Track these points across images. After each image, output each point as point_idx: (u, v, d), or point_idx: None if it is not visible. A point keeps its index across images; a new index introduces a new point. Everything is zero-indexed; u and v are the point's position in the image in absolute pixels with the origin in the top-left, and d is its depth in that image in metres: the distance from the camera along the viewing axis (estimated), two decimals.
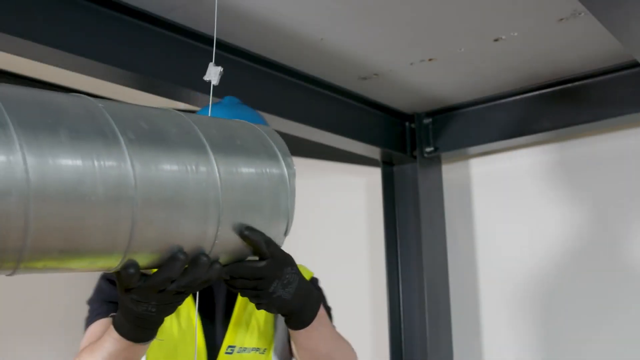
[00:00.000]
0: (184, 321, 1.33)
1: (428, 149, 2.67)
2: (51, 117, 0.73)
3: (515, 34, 1.97)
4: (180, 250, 0.85)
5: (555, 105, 2.40)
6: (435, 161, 2.73)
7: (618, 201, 2.39)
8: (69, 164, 0.72)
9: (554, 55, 2.17)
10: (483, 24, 1.91)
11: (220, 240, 0.89)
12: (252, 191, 0.93)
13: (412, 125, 2.70)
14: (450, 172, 2.80)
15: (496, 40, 2.01)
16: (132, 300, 0.90)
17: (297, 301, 1.08)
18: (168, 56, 1.85)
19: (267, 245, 0.97)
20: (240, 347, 1.32)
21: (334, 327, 1.27)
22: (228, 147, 0.92)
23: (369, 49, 2.07)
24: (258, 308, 1.06)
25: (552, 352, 2.46)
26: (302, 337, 1.18)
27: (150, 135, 0.83)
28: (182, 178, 0.83)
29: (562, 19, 1.88)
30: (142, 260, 0.84)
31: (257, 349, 1.32)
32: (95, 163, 0.74)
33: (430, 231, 2.66)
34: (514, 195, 2.64)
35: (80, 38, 1.64)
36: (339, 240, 2.92)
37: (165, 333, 1.29)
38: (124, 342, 1.00)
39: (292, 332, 1.18)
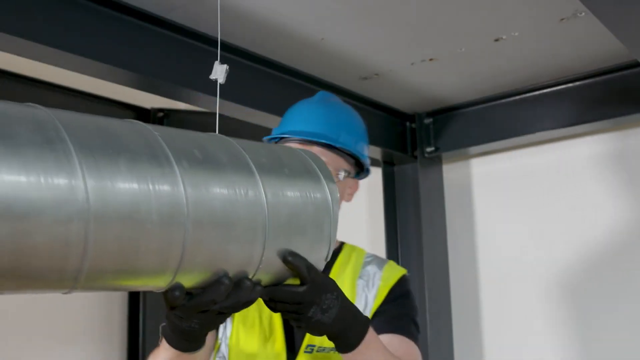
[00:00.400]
0: (266, 320, 1.36)
1: (429, 149, 2.67)
2: (110, 144, 0.76)
3: (516, 33, 1.97)
4: (226, 274, 0.88)
5: (556, 105, 2.40)
6: (435, 161, 2.73)
7: (617, 200, 2.39)
8: (127, 187, 0.75)
9: (555, 55, 2.17)
10: (484, 23, 1.91)
11: (264, 264, 0.92)
12: (297, 216, 0.95)
13: (413, 125, 2.70)
14: (450, 172, 2.80)
15: (497, 40, 2.01)
16: (176, 316, 0.95)
17: (338, 325, 1.08)
18: (168, 56, 1.85)
19: (309, 271, 0.99)
20: (320, 347, 1.34)
21: (388, 353, 1.21)
22: (275, 172, 0.95)
23: (370, 49, 2.07)
24: (298, 329, 1.09)
25: (553, 352, 2.46)
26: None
27: (202, 161, 0.86)
28: (231, 202, 0.86)
29: (562, 19, 1.87)
30: (190, 280, 0.86)
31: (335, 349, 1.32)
32: (151, 187, 0.77)
33: (431, 231, 2.65)
34: (515, 195, 2.64)
35: (80, 38, 1.64)
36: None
37: (248, 330, 1.34)
38: (173, 351, 1.05)
39: (341, 355, 1.17)
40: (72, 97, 2.30)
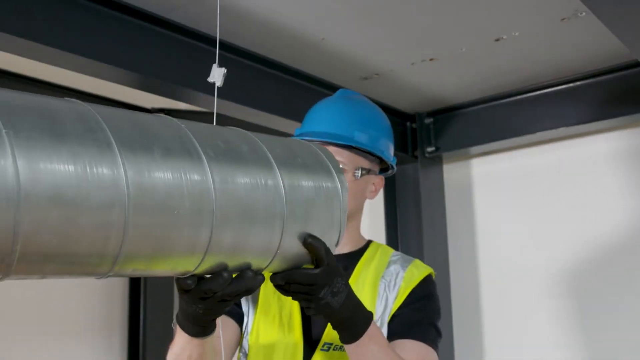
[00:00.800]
0: (286, 316, 1.37)
1: (429, 149, 2.67)
2: (146, 137, 0.83)
3: (517, 33, 1.96)
4: (225, 268, 0.94)
5: (556, 105, 2.40)
6: (436, 161, 2.73)
7: (617, 200, 2.38)
8: (162, 177, 0.81)
9: (555, 54, 2.16)
10: (484, 23, 1.91)
11: (282, 249, 0.98)
12: (311, 203, 1.02)
13: (414, 125, 2.70)
14: (451, 172, 2.79)
15: (497, 40, 2.01)
16: (184, 300, 1.01)
17: (345, 311, 1.12)
18: (168, 56, 1.85)
19: (326, 253, 1.04)
20: (337, 345, 1.33)
21: (392, 351, 1.22)
22: (290, 163, 1.02)
23: (370, 49, 2.07)
24: (307, 313, 1.11)
25: (553, 351, 2.46)
26: (352, 353, 1.19)
27: (226, 153, 0.92)
28: (253, 191, 0.92)
29: (563, 19, 1.87)
30: (211, 263, 0.92)
31: (340, 347, 1.32)
32: (183, 177, 0.83)
33: (431, 231, 2.65)
34: (515, 195, 2.64)
35: (80, 38, 1.64)
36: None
37: (268, 324, 1.36)
38: (185, 336, 1.10)
39: (345, 346, 1.19)
40: (72, 97, 2.30)
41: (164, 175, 0.81)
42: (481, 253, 2.70)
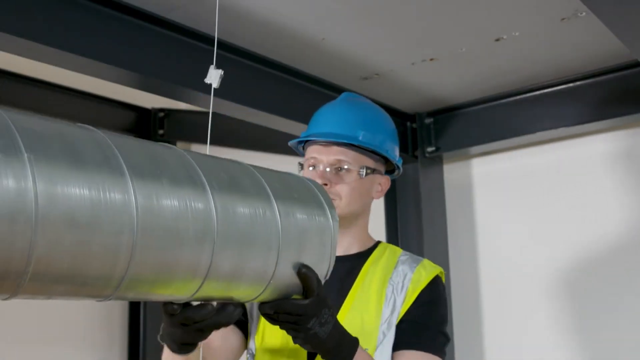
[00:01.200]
0: None
1: (429, 149, 2.67)
2: (156, 167, 0.87)
3: (517, 33, 1.96)
4: (212, 304, 1.00)
5: (556, 105, 2.40)
6: (436, 161, 2.73)
7: (617, 200, 2.38)
8: (169, 203, 0.85)
9: (555, 55, 2.16)
10: (484, 24, 1.91)
11: (275, 278, 1.02)
12: (305, 235, 1.07)
13: (414, 125, 2.70)
14: (451, 172, 2.79)
15: (497, 40, 2.01)
16: (165, 322, 1.05)
17: (331, 341, 1.14)
18: (168, 56, 1.85)
19: (318, 284, 1.07)
20: None
21: None
22: (287, 197, 1.07)
23: (370, 49, 2.07)
24: (294, 342, 1.13)
25: (553, 351, 2.46)
26: None
27: (229, 184, 0.97)
28: (252, 220, 0.97)
29: (563, 19, 1.87)
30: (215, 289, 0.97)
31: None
32: (188, 204, 0.87)
33: (432, 231, 2.65)
34: (515, 195, 2.64)
35: (80, 38, 1.64)
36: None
37: (272, 328, 1.35)
38: (168, 351, 1.13)
39: None
40: (73, 97, 2.30)
41: (170, 202, 0.85)
42: (481, 253, 2.70)
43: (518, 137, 2.50)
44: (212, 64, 1.19)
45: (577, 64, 2.24)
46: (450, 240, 2.73)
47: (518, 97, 2.48)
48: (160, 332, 1.12)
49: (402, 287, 1.39)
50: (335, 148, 1.43)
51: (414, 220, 2.64)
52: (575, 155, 2.50)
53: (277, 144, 2.70)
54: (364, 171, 1.44)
